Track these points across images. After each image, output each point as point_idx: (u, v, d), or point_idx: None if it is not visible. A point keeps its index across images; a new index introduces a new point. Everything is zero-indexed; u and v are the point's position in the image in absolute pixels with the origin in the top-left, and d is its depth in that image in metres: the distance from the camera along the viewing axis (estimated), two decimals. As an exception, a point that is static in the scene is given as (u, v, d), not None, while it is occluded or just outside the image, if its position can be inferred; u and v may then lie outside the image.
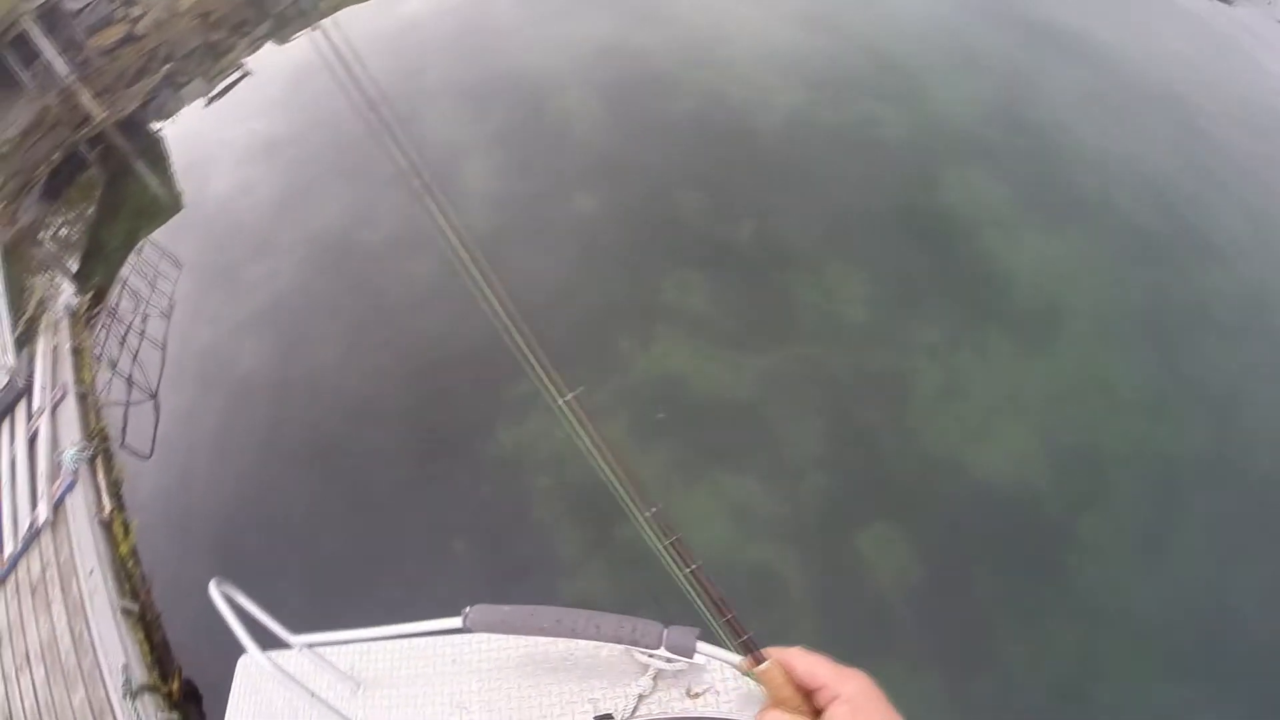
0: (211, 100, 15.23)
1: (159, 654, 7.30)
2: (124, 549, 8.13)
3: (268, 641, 2.90)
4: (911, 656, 6.26)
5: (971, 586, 6.69)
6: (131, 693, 6.53)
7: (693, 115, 10.69)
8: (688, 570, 1.37)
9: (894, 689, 1.15)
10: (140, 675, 6.81)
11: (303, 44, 16.36)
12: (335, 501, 8.16)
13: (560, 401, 1.37)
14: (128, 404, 9.84)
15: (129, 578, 7.92)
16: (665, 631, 2.76)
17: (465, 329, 9.09)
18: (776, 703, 1.17)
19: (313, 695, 2.64)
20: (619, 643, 2.78)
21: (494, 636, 3.24)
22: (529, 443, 7.95)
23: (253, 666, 3.67)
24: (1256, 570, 6.54)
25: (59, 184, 15.22)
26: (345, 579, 7.48)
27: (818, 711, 1.15)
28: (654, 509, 1.38)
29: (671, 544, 1.38)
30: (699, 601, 1.42)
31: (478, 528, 7.56)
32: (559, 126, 10.97)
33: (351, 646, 3.52)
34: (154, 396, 9.78)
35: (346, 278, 10.31)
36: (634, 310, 8.72)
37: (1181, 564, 6.59)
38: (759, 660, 1.21)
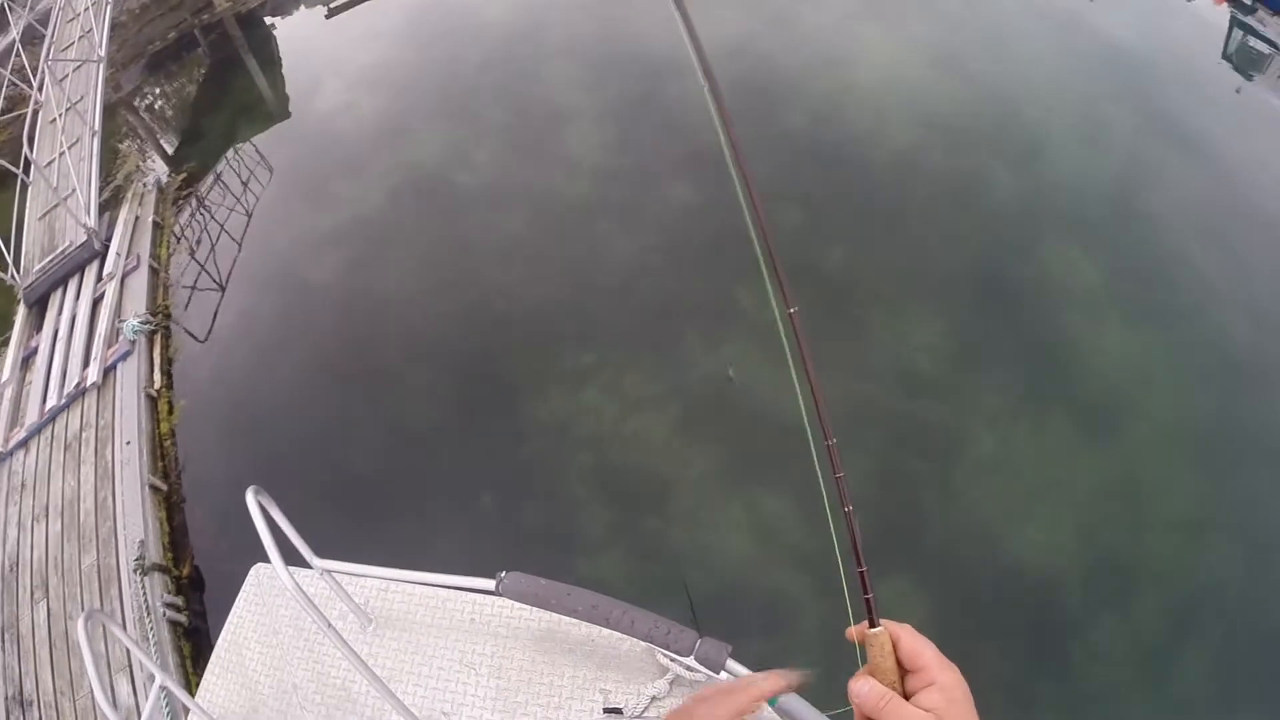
0: (332, 12, 15.38)
1: (176, 536, 7.42)
2: (164, 427, 8.28)
3: (290, 558, 2.89)
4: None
5: (972, 661, 6.51)
6: (143, 568, 6.62)
7: (805, 129, 10.49)
8: (845, 509, 1.33)
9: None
10: (154, 553, 6.91)
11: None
12: (375, 429, 8.22)
13: (789, 311, 1.37)
14: (195, 288, 10.02)
15: (163, 456, 8.06)
16: (699, 641, 2.70)
17: (541, 289, 9.10)
18: (872, 670, 1.13)
19: (327, 623, 2.61)
20: (650, 641, 2.72)
21: (516, 605, 3.20)
22: (578, 416, 7.91)
23: (266, 577, 3.68)
24: (1257, 712, 6.32)
25: (164, 59, 15.56)
26: (367, 505, 7.52)
27: (906, 694, 1.10)
28: (833, 441, 1.34)
29: (838, 479, 1.34)
30: (838, 544, 1.40)
31: (510, 486, 7.54)
32: (671, 111, 10.91)
33: (370, 580, 3.51)
34: (223, 289, 9.94)
35: (433, 215, 10.34)
36: (706, 309, 8.60)
37: (1184, 690, 6.36)
38: (873, 622, 1.17)
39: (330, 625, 2.64)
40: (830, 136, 10.44)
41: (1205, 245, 9.28)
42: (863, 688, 1.11)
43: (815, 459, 1.44)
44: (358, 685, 3.21)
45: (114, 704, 5.91)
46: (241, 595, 3.67)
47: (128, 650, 6.05)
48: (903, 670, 1.13)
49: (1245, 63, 12.44)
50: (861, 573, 1.27)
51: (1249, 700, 6.33)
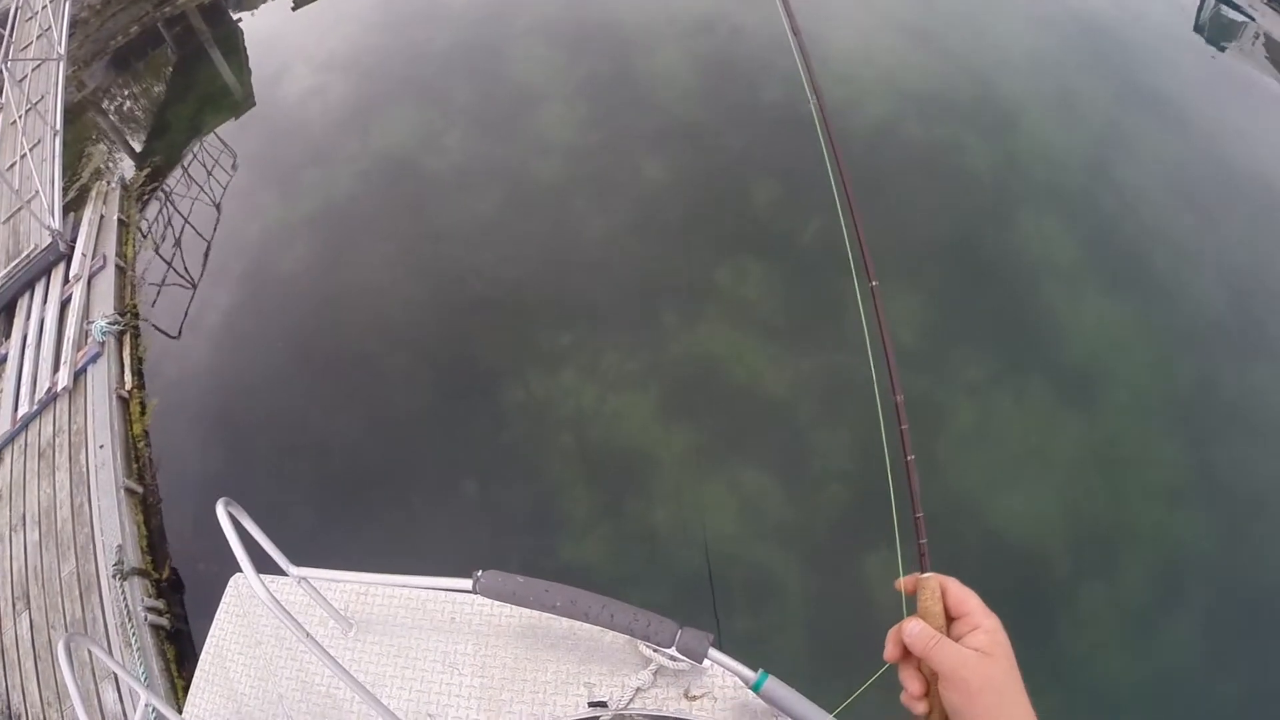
0: (298, 2, 15.12)
1: (154, 539, 7.34)
2: (137, 429, 8.18)
3: (266, 566, 2.85)
4: (887, 688, 6.15)
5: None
6: (123, 573, 6.55)
7: (780, 102, 10.38)
8: (907, 459, 1.44)
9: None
10: (133, 558, 6.84)
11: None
12: (353, 419, 8.15)
13: (871, 285, 1.57)
14: (163, 285, 9.87)
15: (137, 458, 7.96)
16: (680, 632, 2.68)
17: (516, 271, 9.03)
18: (923, 614, 1.24)
19: (305, 634, 2.57)
20: (630, 634, 2.70)
21: (496, 602, 3.17)
22: (558, 398, 7.89)
23: (245, 587, 3.62)
24: (1237, 675, 6.40)
25: (128, 55, 15.27)
26: (349, 497, 7.49)
27: (951, 637, 1.21)
28: (901, 396, 1.50)
29: (903, 431, 1.47)
30: (894, 494, 1.54)
31: (491, 472, 7.52)
32: (643, 88, 10.86)
33: (349, 585, 3.47)
34: (194, 285, 9.80)
35: (403, 200, 10.22)
36: (684, 285, 8.60)
37: (1168, 654, 6.46)
38: (924, 568, 1.27)
39: (309, 635, 2.60)
40: (806, 107, 10.35)
41: (1181, 214, 9.32)
42: (914, 628, 1.22)
43: (879, 412, 1.63)
44: (343, 692, 3.18)
45: (101, 713, 5.87)
46: (222, 607, 3.62)
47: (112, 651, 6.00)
48: (948, 617, 1.24)
49: (1218, 32, 12.46)
50: (917, 519, 1.40)
51: (1229, 661, 6.40)
